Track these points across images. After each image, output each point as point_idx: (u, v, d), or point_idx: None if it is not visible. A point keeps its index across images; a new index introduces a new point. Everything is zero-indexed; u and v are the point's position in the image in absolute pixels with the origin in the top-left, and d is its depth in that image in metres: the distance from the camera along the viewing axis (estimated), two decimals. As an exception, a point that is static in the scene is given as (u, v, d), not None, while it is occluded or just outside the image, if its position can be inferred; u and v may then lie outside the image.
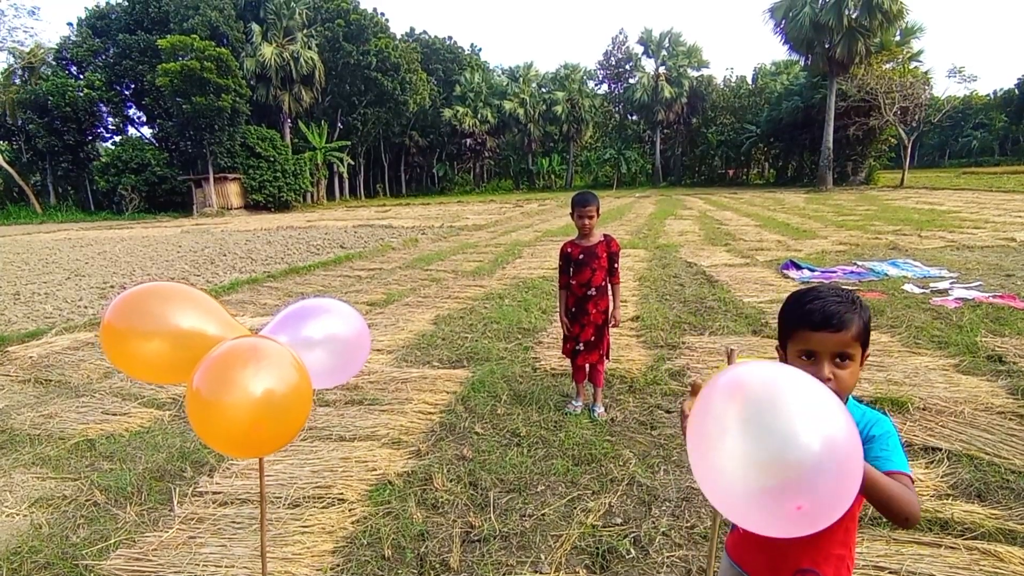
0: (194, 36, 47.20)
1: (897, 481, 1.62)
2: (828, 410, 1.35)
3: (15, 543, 3.92)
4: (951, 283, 10.25)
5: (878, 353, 6.68)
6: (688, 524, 3.84)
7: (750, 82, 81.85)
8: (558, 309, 5.64)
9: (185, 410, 6.03)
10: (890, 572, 3.27)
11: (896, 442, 1.74)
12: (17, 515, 4.29)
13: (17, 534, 4.04)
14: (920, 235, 16.70)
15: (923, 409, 5.23)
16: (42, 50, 57.13)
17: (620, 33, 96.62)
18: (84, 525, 4.11)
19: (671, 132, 79.32)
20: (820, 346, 1.81)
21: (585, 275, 5.26)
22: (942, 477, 4.20)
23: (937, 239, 15.75)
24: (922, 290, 9.87)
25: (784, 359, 1.91)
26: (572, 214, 5.25)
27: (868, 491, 1.58)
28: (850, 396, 1.86)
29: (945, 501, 3.92)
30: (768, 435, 1.32)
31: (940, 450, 4.57)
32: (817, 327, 1.81)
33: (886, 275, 11.19)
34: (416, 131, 76.49)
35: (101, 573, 3.57)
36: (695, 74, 74.95)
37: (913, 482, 1.67)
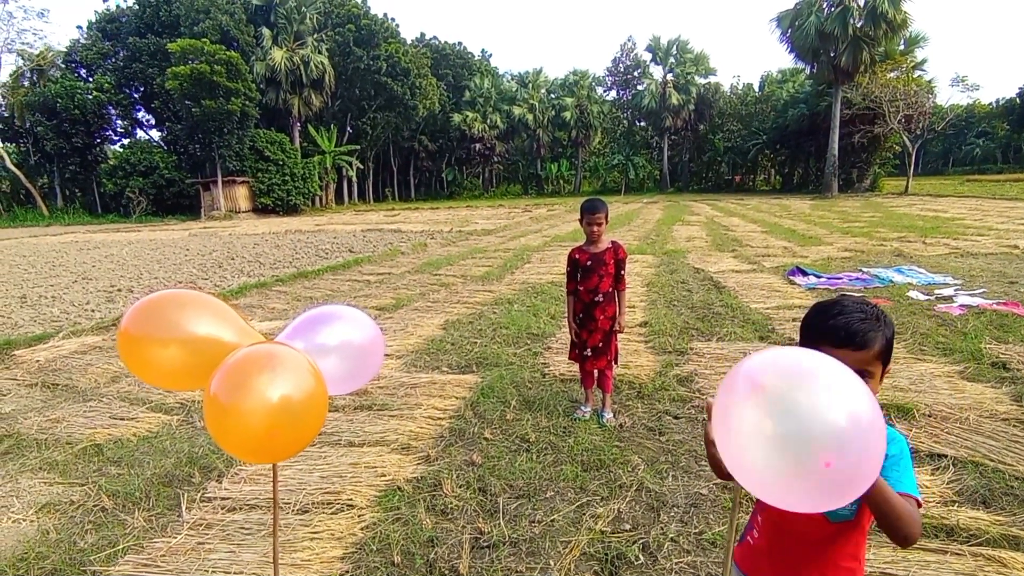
0: (204, 40, 47.37)
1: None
2: (849, 386, 1.39)
3: (22, 549, 3.92)
4: (955, 290, 10.24)
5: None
6: (697, 530, 3.84)
7: (757, 90, 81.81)
8: (566, 315, 5.65)
9: (194, 415, 6.07)
10: (896, 579, 3.27)
11: (908, 463, 1.74)
12: (24, 521, 4.28)
13: (24, 540, 4.03)
14: (924, 242, 16.69)
15: (928, 416, 5.22)
16: (51, 53, 57.20)
17: (628, 40, 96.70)
18: (92, 531, 4.10)
19: (679, 138, 79.22)
20: None
21: (593, 281, 5.27)
22: (947, 484, 4.20)
23: (941, 246, 15.73)
24: (927, 297, 9.86)
25: None
26: (581, 220, 5.28)
27: (878, 506, 1.58)
28: None
29: (950, 508, 3.91)
30: (792, 413, 1.37)
31: (945, 457, 4.56)
32: (839, 344, 1.79)
33: (891, 282, 11.17)
34: (425, 135, 76.61)
35: (110, 579, 3.57)
36: (702, 81, 74.94)
37: (920, 507, 1.68)
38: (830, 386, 1.38)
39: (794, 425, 1.35)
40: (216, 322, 2.34)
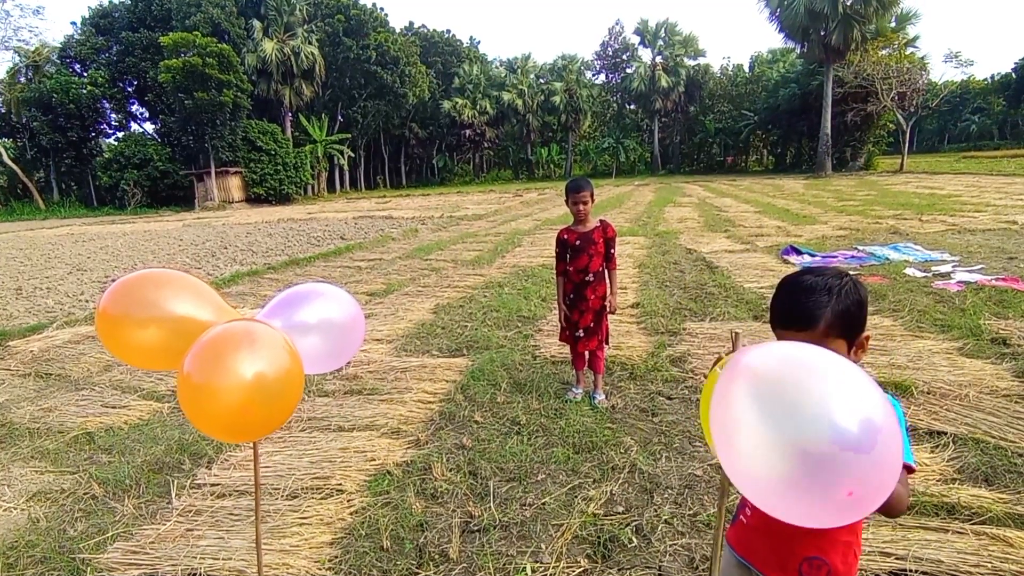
0: (196, 33, 47.88)
1: None
2: (860, 387, 1.31)
3: (12, 538, 3.90)
4: (953, 266, 10.19)
5: (880, 337, 6.60)
6: (691, 512, 3.79)
7: (747, 70, 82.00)
8: (556, 296, 5.60)
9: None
10: (896, 558, 3.20)
11: (902, 429, 1.68)
12: (15, 509, 4.27)
13: (14, 529, 4.01)
14: (921, 219, 16.59)
15: (927, 393, 5.16)
16: (47, 49, 57.99)
17: (617, 24, 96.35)
18: (82, 519, 4.08)
19: (669, 121, 79.38)
20: None
21: (582, 261, 5.22)
22: (948, 461, 4.13)
23: (938, 223, 15.64)
24: (924, 274, 9.80)
25: None
26: (567, 201, 5.22)
27: None
28: None
29: (951, 485, 3.84)
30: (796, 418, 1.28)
31: (945, 434, 4.49)
32: (786, 326, 1.77)
33: (887, 259, 11.11)
34: (416, 123, 77.02)
35: (98, 567, 3.54)
36: (692, 63, 75.02)
37: (912, 472, 1.62)
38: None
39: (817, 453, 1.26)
40: (195, 301, 2.30)
